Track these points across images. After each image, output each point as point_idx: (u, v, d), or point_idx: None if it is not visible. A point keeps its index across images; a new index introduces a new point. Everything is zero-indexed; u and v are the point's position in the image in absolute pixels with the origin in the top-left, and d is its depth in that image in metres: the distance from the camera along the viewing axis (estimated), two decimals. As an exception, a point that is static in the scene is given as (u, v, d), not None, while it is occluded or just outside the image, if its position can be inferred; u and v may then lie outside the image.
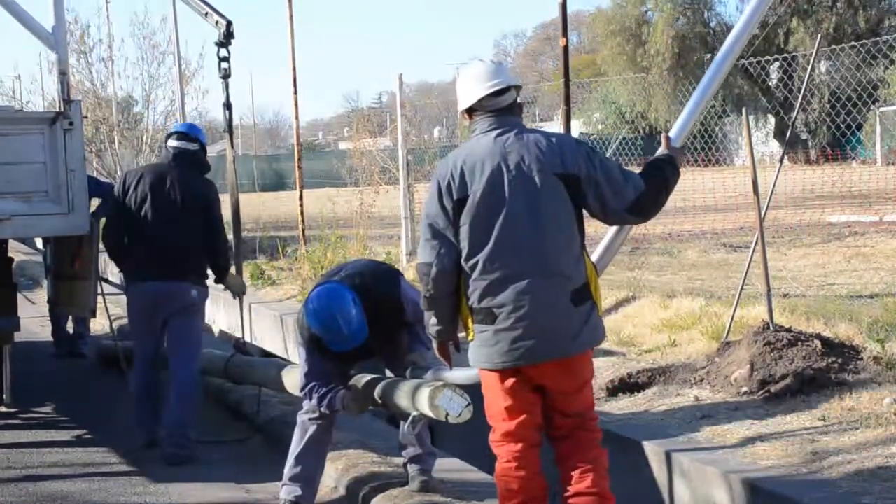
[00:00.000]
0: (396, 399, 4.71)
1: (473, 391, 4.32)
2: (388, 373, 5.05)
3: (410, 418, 4.65)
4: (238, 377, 6.93)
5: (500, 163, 3.82)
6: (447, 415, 4.34)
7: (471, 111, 3.99)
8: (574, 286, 3.83)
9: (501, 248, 3.80)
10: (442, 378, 4.57)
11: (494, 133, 3.89)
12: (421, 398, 4.46)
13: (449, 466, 5.72)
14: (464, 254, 3.86)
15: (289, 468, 5.06)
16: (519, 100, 4.05)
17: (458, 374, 4.51)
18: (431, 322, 4.04)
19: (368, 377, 4.96)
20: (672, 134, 4.38)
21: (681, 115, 4.73)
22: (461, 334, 4.12)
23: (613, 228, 4.29)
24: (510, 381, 3.89)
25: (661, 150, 4.19)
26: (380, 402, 4.90)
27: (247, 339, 8.32)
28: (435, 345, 4.18)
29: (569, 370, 3.91)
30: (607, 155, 13.36)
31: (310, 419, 5.07)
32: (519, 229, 3.80)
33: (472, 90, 3.95)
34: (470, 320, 3.93)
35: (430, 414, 4.43)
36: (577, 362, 3.93)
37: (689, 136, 4.70)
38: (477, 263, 3.83)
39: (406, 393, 4.60)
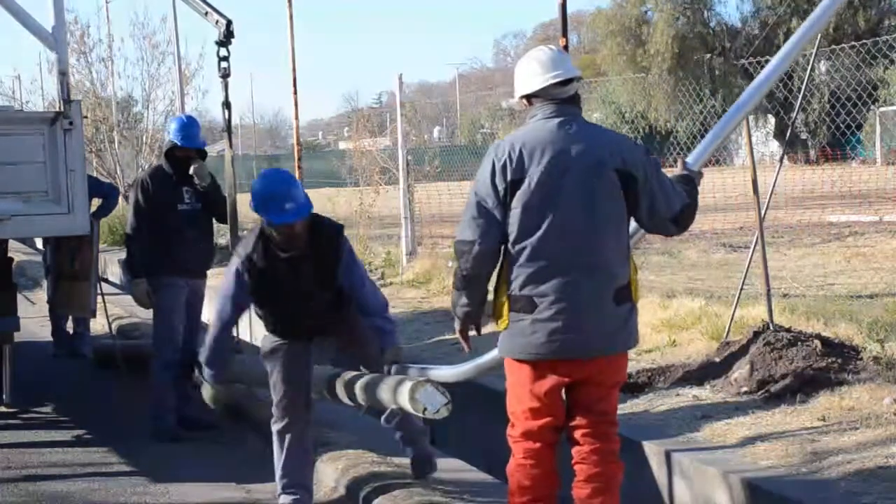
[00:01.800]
0: (379, 392, 4.78)
1: (460, 389, 4.33)
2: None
3: (388, 411, 4.72)
4: (228, 376, 6.94)
5: (563, 150, 3.75)
6: (425, 409, 4.38)
7: (531, 97, 3.90)
8: (618, 285, 3.79)
9: (553, 236, 3.73)
10: (428, 375, 4.62)
11: (557, 120, 3.81)
12: (402, 391, 4.51)
13: (449, 466, 5.72)
14: (511, 237, 3.77)
15: (279, 479, 5.05)
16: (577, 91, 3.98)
17: (445, 372, 4.54)
18: (462, 302, 3.96)
19: (353, 373, 5.01)
20: (690, 160, 4.43)
21: (701, 142, 4.76)
22: (488, 325, 4.07)
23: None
24: (541, 378, 3.82)
25: (680, 171, 4.21)
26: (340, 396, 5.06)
27: (247, 339, 8.32)
28: (458, 326, 4.08)
29: (604, 369, 3.88)
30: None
31: (283, 428, 5.03)
32: (573, 220, 3.73)
33: (536, 77, 3.86)
34: (506, 307, 3.84)
35: (409, 407, 4.48)
36: (613, 362, 3.91)
37: (705, 161, 4.71)
38: (524, 249, 3.75)
39: (389, 386, 4.67)
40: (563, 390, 3.91)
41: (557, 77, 3.84)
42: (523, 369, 3.86)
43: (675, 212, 3.89)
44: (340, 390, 5.55)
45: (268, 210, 4.77)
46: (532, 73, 3.89)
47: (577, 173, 3.74)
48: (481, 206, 3.79)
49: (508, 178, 3.75)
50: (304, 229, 4.83)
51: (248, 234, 5.10)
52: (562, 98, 3.85)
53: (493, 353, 5.05)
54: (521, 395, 3.89)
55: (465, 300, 3.95)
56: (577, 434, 3.96)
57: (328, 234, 4.98)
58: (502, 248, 3.84)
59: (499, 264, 3.89)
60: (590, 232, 3.75)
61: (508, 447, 4.11)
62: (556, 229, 3.74)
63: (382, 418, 5.03)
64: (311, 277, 4.93)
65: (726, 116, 4.99)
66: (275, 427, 5.03)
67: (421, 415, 4.48)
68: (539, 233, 3.74)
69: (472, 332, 4.11)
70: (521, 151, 3.76)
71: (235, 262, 4.95)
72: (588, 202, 3.74)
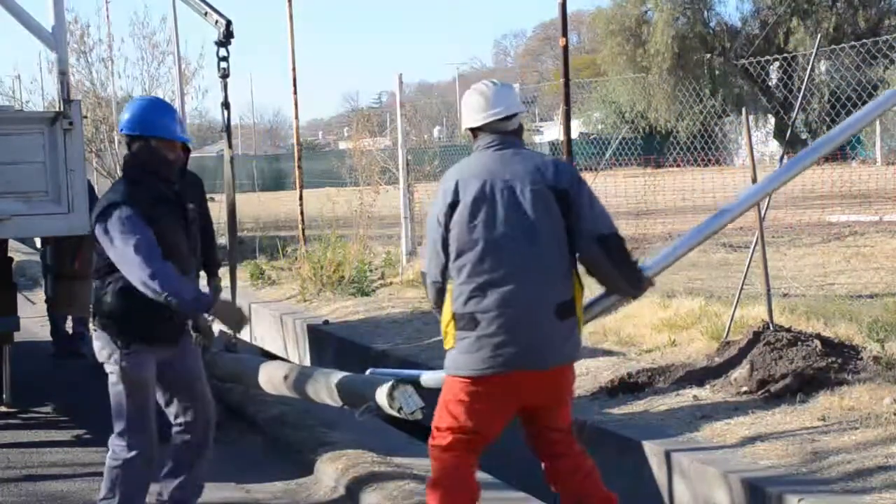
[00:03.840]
0: (356, 387, 4.92)
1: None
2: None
3: (364, 406, 4.82)
4: (221, 374, 6.98)
5: (499, 172, 3.90)
6: (400, 408, 4.54)
7: (475, 130, 4.06)
8: (560, 300, 3.86)
9: (490, 253, 3.82)
10: (415, 379, 4.71)
11: (494, 148, 3.98)
12: (382, 388, 4.67)
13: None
14: (452, 257, 3.88)
15: None
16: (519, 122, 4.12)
17: (431, 376, 4.62)
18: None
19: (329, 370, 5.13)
20: (649, 262, 4.42)
21: (665, 249, 4.74)
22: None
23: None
24: (485, 395, 3.85)
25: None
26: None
27: (247, 339, 8.33)
28: None
29: (548, 383, 3.91)
30: (607, 155, 13.40)
31: (129, 455, 4.51)
32: (509, 237, 3.83)
33: (480, 112, 4.02)
34: (451, 326, 3.90)
35: (384, 403, 4.64)
36: (557, 375, 3.94)
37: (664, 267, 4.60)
38: (464, 266, 3.85)
39: (370, 382, 4.81)
40: (510, 408, 3.95)
41: (499, 114, 3.98)
42: (467, 387, 3.87)
43: (599, 233, 3.93)
44: (314, 387, 5.62)
45: (164, 123, 4.47)
46: (477, 109, 4.03)
47: (513, 192, 3.86)
48: (431, 238, 3.98)
49: (448, 201, 3.90)
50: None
51: (111, 191, 4.59)
52: (505, 131, 4.00)
53: None
54: (458, 411, 3.90)
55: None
56: (557, 451, 4.05)
57: (193, 178, 4.83)
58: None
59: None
60: (527, 248, 3.82)
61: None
62: (492, 246, 3.82)
63: (357, 413, 4.97)
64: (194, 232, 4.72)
65: (695, 230, 4.88)
66: (112, 459, 4.63)
67: (396, 413, 4.62)
68: (476, 250, 3.83)
69: None
70: (458, 178, 3.94)
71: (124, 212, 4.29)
72: (524, 219, 3.84)
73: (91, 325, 4.61)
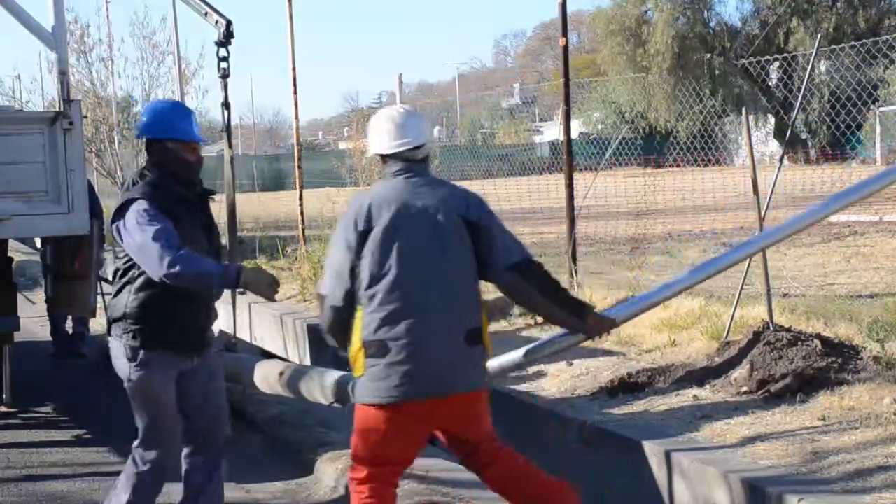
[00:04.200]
0: (347, 383, 4.91)
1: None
2: None
3: (350, 404, 4.86)
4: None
5: (411, 201, 3.92)
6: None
7: (384, 156, 4.09)
8: (469, 326, 3.89)
9: (401, 281, 3.84)
10: None
11: (404, 176, 4.01)
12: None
13: (449, 466, 5.72)
14: (363, 284, 3.87)
15: None
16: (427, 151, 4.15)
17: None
18: (331, 342, 4.15)
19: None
20: (617, 313, 4.55)
21: (635, 306, 4.82)
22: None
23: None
24: (398, 422, 3.87)
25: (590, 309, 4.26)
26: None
27: (247, 339, 8.33)
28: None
29: (459, 407, 3.95)
30: (607, 155, 13.39)
31: (142, 469, 4.44)
32: (421, 265, 3.86)
33: (389, 140, 4.05)
34: (360, 354, 3.89)
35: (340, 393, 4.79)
36: (469, 399, 3.98)
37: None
38: (375, 294, 3.85)
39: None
40: (422, 434, 4.00)
41: (408, 144, 4.02)
42: (379, 414, 3.88)
43: (514, 261, 3.97)
44: (307, 385, 5.65)
45: (181, 125, 4.43)
46: (388, 136, 4.06)
47: (425, 221, 3.90)
48: (336, 263, 3.94)
49: (360, 229, 3.89)
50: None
51: (128, 191, 4.50)
52: (415, 159, 4.03)
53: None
54: (374, 440, 3.92)
55: (334, 342, 4.10)
56: (483, 461, 4.09)
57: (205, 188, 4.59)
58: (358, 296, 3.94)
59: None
60: (438, 276, 3.86)
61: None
62: (404, 274, 3.84)
63: (346, 407, 4.97)
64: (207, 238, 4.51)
65: (659, 290, 4.97)
66: (133, 467, 4.53)
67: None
68: (388, 278, 3.83)
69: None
70: (370, 205, 3.93)
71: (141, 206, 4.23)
72: (436, 248, 3.87)
73: (109, 337, 4.44)
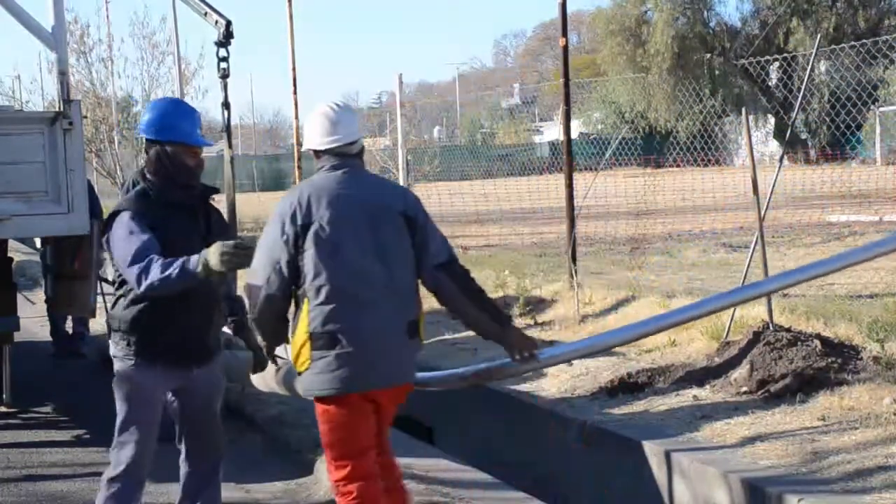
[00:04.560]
0: None
1: (461, 390, 4.36)
2: None
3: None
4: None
5: (351, 195, 3.97)
6: None
7: (318, 152, 4.13)
8: (410, 318, 4.00)
9: (347, 274, 3.88)
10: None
11: (341, 171, 4.04)
12: None
13: (449, 466, 5.72)
14: (308, 278, 3.89)
15: None
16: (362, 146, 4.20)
17: (423, 376, 4.70)
18: (259, 340, 4.28)
19: None
20: (546, 353, 4.58)
21: (564, 350, 4.98)
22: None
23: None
24: (356, 411, 3.94)
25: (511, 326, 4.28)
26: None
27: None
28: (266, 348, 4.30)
29: (395, 398, 4.08)
30: (607, 155, 13.40)
31: (112, 473, 4.34)
32: (364, 258, 3.90)
33: (323, 136, 4.09)
34: (307, 347, 3.91)
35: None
36: (403, 391, 4.11)
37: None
38: (322, 288, 3.87)
39: None
40: (371, 421, 4.04)
41: (340, 141, 4.06)
42: (338, 404, 3.94)
43: (443, 260, 4.07)
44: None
45: (183, 127, 4.26)
46: (320, 132, 4.10)
47: (365, 215, 3.95)
48: (271, 254, 3.94)
49: (299, 223, 3.91)
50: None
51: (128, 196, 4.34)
52: (349, 154, 4.08)
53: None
54: (343, 430, 3.98)
55: (261, 339, 4.21)
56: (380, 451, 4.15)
57: (209, 189, 4.42)
58: (293, 290, 3.97)
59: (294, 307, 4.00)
60: (382, 269, 3.91)
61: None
62: (349, 267, 3.88)
63: None
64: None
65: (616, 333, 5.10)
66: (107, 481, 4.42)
67: None
68: (333, 271, 3.87)
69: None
70: (309, 198, 3.95)
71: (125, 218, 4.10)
72: (378, 242, 3.93)
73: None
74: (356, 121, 4.21)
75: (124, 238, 4.04)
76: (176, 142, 4.23)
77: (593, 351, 5.09)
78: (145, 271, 3.94)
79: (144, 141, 4.33)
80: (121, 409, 4.35)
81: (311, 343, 3.89)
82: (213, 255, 3.85)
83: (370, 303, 3.87)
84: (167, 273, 3.92)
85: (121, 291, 4.24)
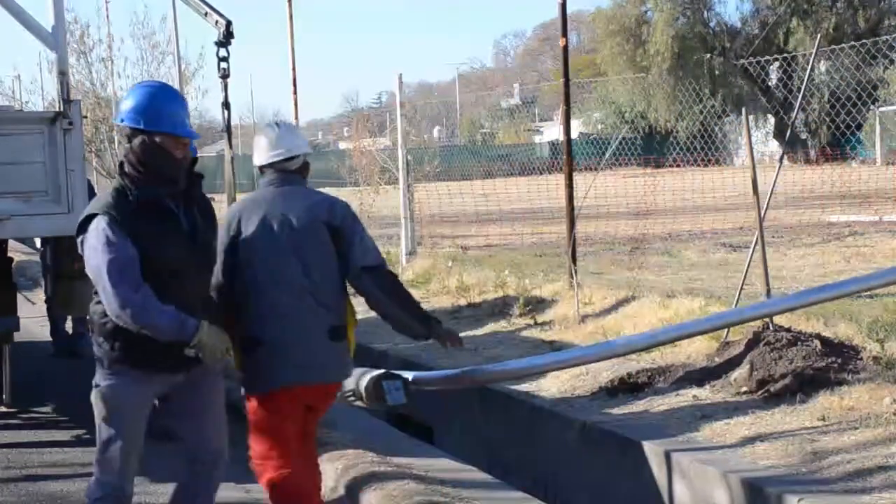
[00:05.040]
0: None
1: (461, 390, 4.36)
2: None
3: (346, 392, 4.87)
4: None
5: (280, 210, 4.22)
6: (384, 398, 4.70)
7: (261, 167, 4.40)
8: (333, 324, 4.23)
9: (270, 281, 4.16)
10: (407, 375, 5.00)
11: (275, 185, 4.32)
12: (370, 374, 4.80)
13: (449, 466, 5.72)
14: (238, 285, 4.19)
15: None
16: (306, 161, 4.48)
17: (421, 377, 4.78)
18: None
19: None
20: (418, 375, 5.01)
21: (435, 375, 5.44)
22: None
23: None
24: (287, 404, 4.22)
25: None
26: None
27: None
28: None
29: (325, 395, 4.40)
30: (607, 155, 13.42)
31: (97, 492, 3.99)
32: (288, 268, 4.17)
33: (265, 152, 4.37)
34: (237, 349, 4.15)
35: (370, 390, 4.74)
36: (330, 390, 4.41)
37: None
38: (247, 294, 4.17)
39: (358, 373, 4.87)
40: (298, 417, 4.30)
41: (281, 155, 4.33)
42: (264, 402, 4.23)
43: (369, 264, 4.28)
44: None
45: (172, 116, 3.90)
46: (263, 149, 4.38)
47: (287, 227, 4.20)
48: (219, 265, 4.22)
49: (231, 234, 4.23)
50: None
51: (96, 199, 4.02)
52: (288, 170, 4.35)
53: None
54: (274, 425, 4.25)
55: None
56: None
57: (199, 178, 4.12)
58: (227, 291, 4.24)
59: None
60: (302, 277, 4.17)
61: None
62: (272, 275, 4.16)
63: (338, 396, 4.92)
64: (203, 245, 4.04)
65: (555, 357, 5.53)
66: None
67: (379, 400, 4.73)
68: (257, 278, 4.17)
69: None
70: (243, 212, 4.26)
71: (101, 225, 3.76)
72: (301, 252, 4.18)
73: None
74: (298, 139, 4.46)
75: (101, 248, 3.74)
76: (165, 132, 3.87)
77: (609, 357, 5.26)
78: (136, 303, 3.71)
79: (127, 131, 3.92)
80: (101, 429, 3.97)
81: (242, 345, 4.15)
82: (216, 353, 3.88)
83: (290, 308, 4.14)
84: (157, 323, 3.74)
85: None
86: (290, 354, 4.13)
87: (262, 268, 4.16)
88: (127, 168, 3.91)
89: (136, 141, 3.88)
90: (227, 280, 4.19)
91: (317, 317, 4.17)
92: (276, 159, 4.31)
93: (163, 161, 3.89)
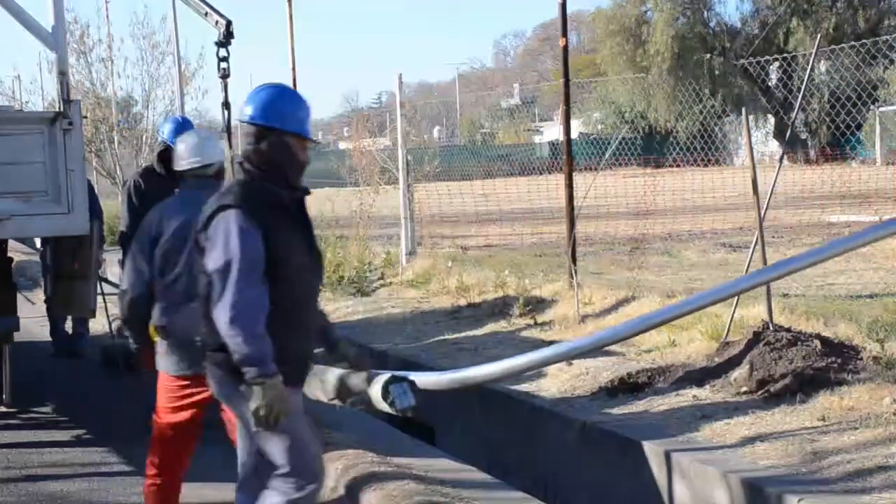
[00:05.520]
0: (350, 381, 5.07)
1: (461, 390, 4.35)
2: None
3: (352, 398, 4.95)
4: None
5: (181, 213, 4.65)
6: (392, 402, 4.68)
7: (180, 172, 4.91)
8: None
9: (175, 278, 4.67)
10: (414, 377, 4.97)
11: (193, 190, 4.74)
12: (379, 379, 4.80)
13: (449, 466, 5.72)
14: (156, 279, 4.72)
15: None
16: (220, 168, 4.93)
17: (426, 379, 4.76)
18: (131, 336, 4.97)
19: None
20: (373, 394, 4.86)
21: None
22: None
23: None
24: (182, 387, 4.69)
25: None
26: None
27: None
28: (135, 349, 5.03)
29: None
30: (607, 155, 13.41)
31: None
32: (184, 267, 4.59)
33: (182, 160, 4.89)
34: (154, 334, 4.74)
35: (377, 394, 4.73)
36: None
37: None
38: (162, 289, 4.71)
39: (364, 376, 4.90)
40: (193, 399, 4.68)
41: (196, 164, 4.82)
42: (169, 381, 4.73)
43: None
44: (309, 381, 5.68)
45: (301, 118, 3.88)
46: (181, 156, 4.90)
47: (190, 231, 4.30)
48: (136, 261, 4.78)
49: (152, 234, 4.75)
50: None
51: (228, 188, 3.94)
52: (204, 175, 4.82)
53: (477, 371, 5.73)
54: (167, 396, 4.75)
55: (132, 333, 4.93)
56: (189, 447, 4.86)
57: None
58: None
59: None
60: (188, 279, 4.48)
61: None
62: (177, 273, 4.67)
63: (347, 402, 4.94)
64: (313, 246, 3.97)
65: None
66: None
67: (387, 406, 4.69)
68: (167, 276, 4.69)
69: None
70: (163, 214, 4.79)
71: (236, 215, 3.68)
72: (196, 253, 4.27)
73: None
74: (214, 148, 4.93)
75: (235, 240, 3.63)
76: (294, 132, 3.84)
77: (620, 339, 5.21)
78: (250, 300, 3.60)
79: (256, 131, 3.84)
80: (280, 440, 3.82)
81: (156, 331, 4.72)
82: (268, 403, 3.62)
83: (185, 303, 4.51)
84: (257, 332, 3.60)
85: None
86: (187, 345, 4.43)
87: (172, 266, 4.66)
88: (248, 166, 3.85)
89: (268, 141, 3.82)
90: (142, 284, 4.70)
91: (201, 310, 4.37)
92: (193, 166, 4.81)
93: (289, 161, 3.85)
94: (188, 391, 4.65)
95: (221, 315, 3.63)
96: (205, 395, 4.48)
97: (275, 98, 3.87)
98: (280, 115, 3.84)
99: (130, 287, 4.72)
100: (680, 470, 5.15)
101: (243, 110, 3.91)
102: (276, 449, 3.85)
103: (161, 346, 4.68)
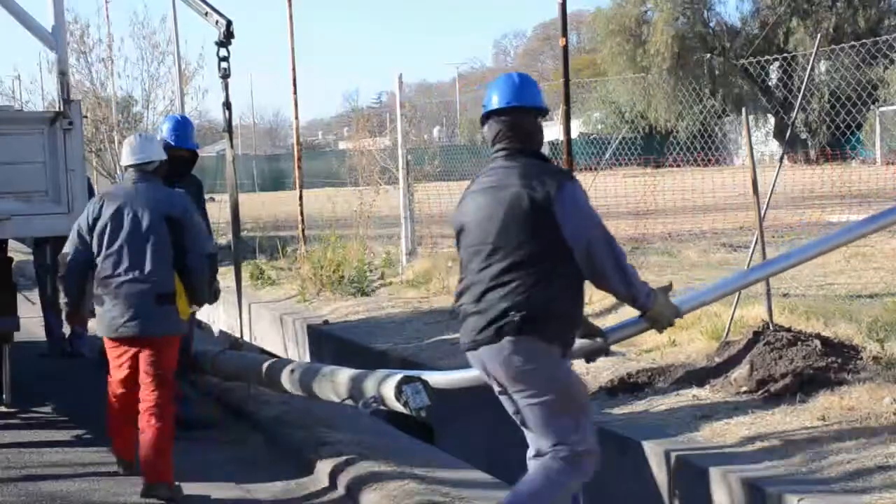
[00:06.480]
0: (362, 381, 5.08)
1: (462, 390, 4.34)
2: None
3: (364, 399, 4.89)
4: (225, 373, 7.00)
5: (128, 200, 5.50)
6: (406, 403, 4.66)
7: (126, 166, 5.69)
8: (160, 291, 5.41)
9: (113, 255, 5.44)
10: (426, 377, 4.89)
11: (133, 181, 5.59)
12: (391, 379, 4.78)
13: (449, 466, 5.72)
14: (96, 257, 5.49)
15: None
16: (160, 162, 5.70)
17: (439, 378, 4.71)
18: (63, 299, 5.72)
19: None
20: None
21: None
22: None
23: None
24: (118, 350, 5.54)
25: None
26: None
27: (246, 338, 8.32)
28: (66, 313, 5.88)
29: (152, 347, 5.44)
30: (607, 155, 13.41)
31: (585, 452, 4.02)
32: (129, 246, 5.42)
33: (127, 156, 5.67)
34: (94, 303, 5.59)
35: (391, 395, 4.71)
36: (153, 343, 5.45)
37: None
38: (101, 264, 5.47)
39: (377, 377, 4.91)
40: (130, 359, 5.52)
41: (139, 160, 5.62)
42: (109, 344, 5.57)
43: (208, 251, 5.79)
44: (319, 382, 5.65)
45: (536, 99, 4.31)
46: (127, 153, 5.70)
47: (135, 214, 5.46)
48: (80, 234, 5.55)
49: (93, 217, 5.53)
50: None
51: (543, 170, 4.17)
52: (144, 170, 5.61)
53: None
54: (110, 356, 5.60)
55: (64, 297, 5.68)
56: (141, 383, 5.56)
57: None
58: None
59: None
60: (140, 254, 5.41)
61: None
62: (115, 250, 5.45)
63: (360, 403, 4.93)
64: None
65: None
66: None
67: (401, 407, 4.66)
68: (104, 253, 5.47)
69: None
70: (104, 201, 5.58)
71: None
72: (138, 235, 5.44)
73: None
74: (154, 148, 5.72)
75: (588, 204, 3.99)
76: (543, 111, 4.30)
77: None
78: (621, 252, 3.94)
79: (513, 114, 4.26)
80: (571, 413, 4.00)
81: (94, 300, 5.53)
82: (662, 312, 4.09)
83: (124, 277, 5.39)
84: (631, 273, 3.96)
85: (537, 268, 3.91)
86: (121, 312, 5.38)
87: (110, 245, 5.43)
88: (526, 148, 4.28)
89: (525, 118, 4.25)
90: (83, 248, 5.51)
91: (146, 284, 5.37)
92: (137, 161, 5.60)
93: (541, 139, 4.33)
94: (122, 349, 5.51)
95: (608, 262, 3.90)
96: (133, 352, 5.47)
97: (528, 82, 4.35)
98: (533, 96, 4.30)
99: (73, 253, 5.54)
100: (680, 470, 5.16)
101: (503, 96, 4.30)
102: (566, 423, 3.97)
103: (98, 312, 5.51)
